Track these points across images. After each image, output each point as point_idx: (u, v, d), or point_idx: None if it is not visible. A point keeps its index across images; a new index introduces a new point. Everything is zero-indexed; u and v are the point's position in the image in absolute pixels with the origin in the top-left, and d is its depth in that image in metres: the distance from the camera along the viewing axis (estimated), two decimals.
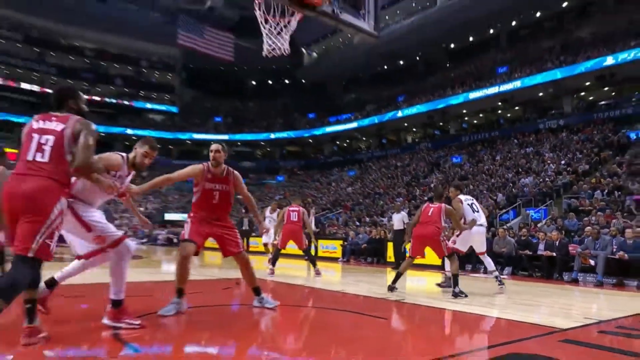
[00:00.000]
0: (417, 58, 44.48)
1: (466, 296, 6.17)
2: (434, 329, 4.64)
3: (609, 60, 25.80)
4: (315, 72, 50.22)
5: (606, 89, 29.29)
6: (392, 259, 13.15)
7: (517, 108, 34.07)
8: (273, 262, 9.21)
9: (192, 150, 46.48)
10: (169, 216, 35.87)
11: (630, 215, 13.18)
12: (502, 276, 7.53)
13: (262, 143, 49.92)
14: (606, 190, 16.11)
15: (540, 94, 30.69)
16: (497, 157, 27.03)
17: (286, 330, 4.29)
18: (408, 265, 6.77)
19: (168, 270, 10.18)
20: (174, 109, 52.60)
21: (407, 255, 6.95)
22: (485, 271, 7.91)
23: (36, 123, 2.98)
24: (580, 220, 13.21)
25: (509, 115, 35.47)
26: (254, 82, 56.58)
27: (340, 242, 16.70)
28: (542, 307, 6.03)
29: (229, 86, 53.28)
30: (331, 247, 17.01)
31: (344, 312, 5.05)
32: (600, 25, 31.12)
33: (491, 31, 39.42)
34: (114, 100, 49.63)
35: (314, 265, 9.30)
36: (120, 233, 3.56)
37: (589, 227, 10.70)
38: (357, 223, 22.07)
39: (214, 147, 4.53)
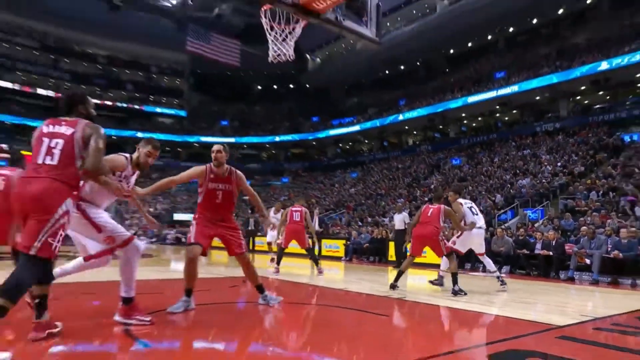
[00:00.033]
0: (418, 63, 44.41)
1: (465, 294, 6.15)
2: (435, 326, 4.63)
3: (604, 65, 25.72)
4: (318, 77, 50.24)
5: (601, 93, 29.20)
6: (394, 258, 13.11)
7: (514, 111, 33.98)
8: (278, 261, 9.20)
9: (200, 152, 46.50)
10: (177, 216, 35.89)
11: (625, 216, 13.13)
12: (501, 275, 7.49)
13: (268, 146, 49.95)
14: (601, 191, 16.05)
15: (537, 98, 30.60)
16: (496, 159, 26.97)
17: (291, 327, 4.29)
18: (409, 263, 6.77)
19: (176, 268, 10.19)
20: (182, 113, 52.68)
21: (408, 254, 6.94)
22: (484, 270, 7.88)
23: (46, 127, 2.98)
24: (576, 220, 13.17)
25: (506, 118, 35.38)
26: (259, 87, 56.62)
27: (343, 241, 16.68)
28: (539, 305, 6.01)
29: (236, 91, 53.33)
30: (334, 246, 17.00)
31: (347, 310, 5.05)
32: (595, 31, 31.06)
33: (489, 37, 39.33)
34: (125, 105, 49.81)
35: (317, 264, 9.27)
36: (129, 233, 3.57)
37: (584, 227, 10.67)
38: (360, 223, 22.04)
39: (215, 147, 4.52)
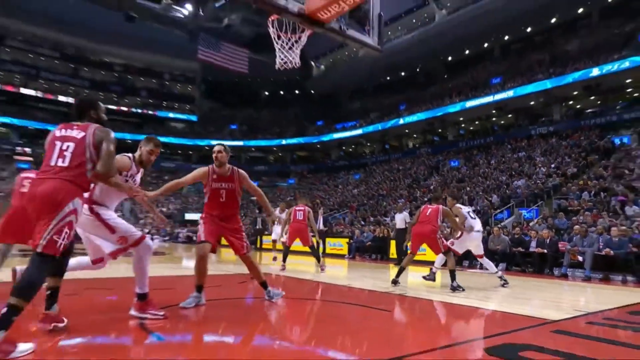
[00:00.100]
0: (418, 70, 44.37)
1: (463, 290, 6.13)
2: (434, 320, 4.62)
3: (595, 72, 25.66)
4: (323, 83, 50.30)
5: (592, 97, 29.04)
6: (395, 256, 13.08)
7: (510, 116, 33.85)
8: (284, 258, 9.19)
9: (210, 155, 46.24)
10: (188, 216, 35.94)
11: (615, 215, 13.07)
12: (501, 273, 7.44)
13: (275, 149, 49.99)
14: (593, 192, 15.96)
15: (532, 102, 30.48)
16: (492, 161, 26.86)
17: (298, 321, 4.28)
18: (409, 260, 6.77)
19: (188, 265, 10.21)
20: (193, 118, 52.87)
21: (409, 252, 6.93)
22: (481, 267, 7.85)
23: (59, 131, 2.96)
24: (569, 220, 13.09)
25: (502, 122, 35.27)
26: (267, 93, 56.71)
27: (347, 240, 16.68)
28: (535, 300, 5.98)
29: (244, 97, 53.46)
30: (338, 244, 17.00)
31: (350, 305, 5.04)
32: (586, 39, 31.03)
33: (486, 45, 39.25)
34: (139, 111, 50.11)
35: (318, 261, 9.21)
36: (140, 233, 3.58)
37: (577, 226, 10.63)
38: (362, 222, 22.01)
39: (215, 148, 4.51)
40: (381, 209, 24.55)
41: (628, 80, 26.01)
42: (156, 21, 42.91)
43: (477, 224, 7.20)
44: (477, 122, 36.38)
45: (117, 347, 2.95)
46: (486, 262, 7.39)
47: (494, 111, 32.86)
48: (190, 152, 48.82)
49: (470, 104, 32.63)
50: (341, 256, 15.83)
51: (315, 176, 44.59)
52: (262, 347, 3.13)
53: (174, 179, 4.68)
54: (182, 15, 44.59)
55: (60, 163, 2.82)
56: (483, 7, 33.54)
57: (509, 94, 30.15)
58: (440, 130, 38.14)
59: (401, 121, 37.89)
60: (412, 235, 6.78)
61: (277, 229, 11.96)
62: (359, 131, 41.91)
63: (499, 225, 13.64)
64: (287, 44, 4.96)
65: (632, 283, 8.73)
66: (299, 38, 4.93)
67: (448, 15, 36.78)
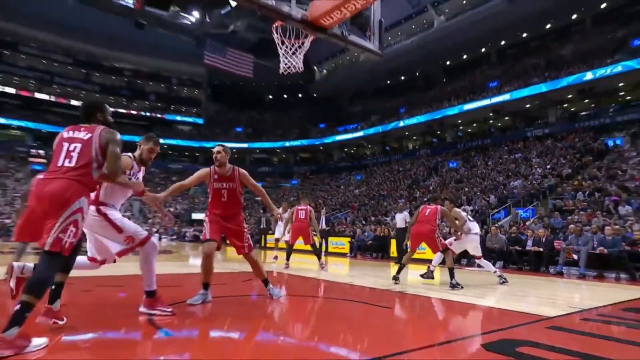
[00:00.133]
0: (417, 74, 44.26)
1: (462, 288, 6.11)
2: (434, 317, 4.61)
3: (588, 76, 25.55)
4: (325, 87, 50.24)
5: (586, 101, 28.94)
6: (395, 255, 13.07)
7: (506, 118, 33.75)
8: (287, 257, 9.18)
9: None
10: (195, 216, 35.92)
11: (609, 214, 13.03)
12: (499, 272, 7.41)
13: (278, 150, 49.97)
14: (587, 192, 15.92)
15: (528, 105, 30.39)
16: (489, 162, 26.79)
17: (301, 318, 4.28)
18: (409, 257, 6.78)
19: (195, 263, 10.23)
20: (200, 121, 52.89)
21: (408, 250, 6.93)
22: (479, 266, 7.83)
23: (66, 133, 2.96)
24: (565, 219, 13.06)
25: (499, 124, 35.15)
26: (270, 96, 56.71)
27: (348, 239, 16.66)
28: (531, 297, 5.96)
29: (249, 100, 53.51)
30: (340, 243, 16.98)
31: (352, 302, 5.04)
32: (580, 44, 30.92)
33: (483, 50, 39.15)
34: (148, 114, 50.19)
35: (319, 259, 9.19)
36: (146, 232, 3.58)
37: (572, 225, 10.59)
38: (364, 222, 21.98)
39: (215, 149, 4.50)
40: (382, 209, 24.52)
41: (621, 84, 25.97)
42: (164, 28, 43.06)
43: (475, 227, 7.20)
44: (474, 125, 36.31)
45: (127, 342, 2.96)
46: (484, 263, 7.38)
47: (491, 114, 32.76)
48: (197, 154, 48.87)
49: (468, 107, 32.55)
50: (343, 255, 15.81)
51: (317, 177, 44.54)
52: (267, 343, 3.12)
53: (181, 179, 4.70)
54: (189, 22, 44.74)
55: (67, 163, 2.81)
56: (480, 14, 33.49)
57: (506, 97, 30.06)
58: (439, 132, 38.06)
59: (401, 124, 37.81)
60: (411, 235, 6.78)
61: (279, 228, 11.96)
62: (360, 133, 41.86)
63: (496, 225, 13.61)
64: (290, 49, 4.97)
65: (625, 280, 8.71)
66: (302, 43, 4.94)
67: (446, 22, 36.71)
